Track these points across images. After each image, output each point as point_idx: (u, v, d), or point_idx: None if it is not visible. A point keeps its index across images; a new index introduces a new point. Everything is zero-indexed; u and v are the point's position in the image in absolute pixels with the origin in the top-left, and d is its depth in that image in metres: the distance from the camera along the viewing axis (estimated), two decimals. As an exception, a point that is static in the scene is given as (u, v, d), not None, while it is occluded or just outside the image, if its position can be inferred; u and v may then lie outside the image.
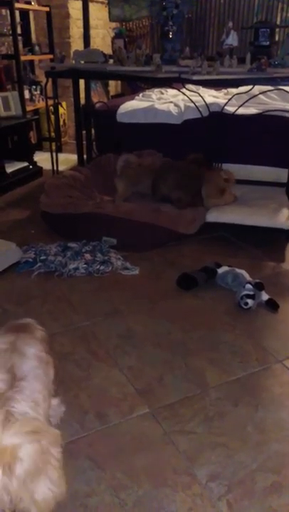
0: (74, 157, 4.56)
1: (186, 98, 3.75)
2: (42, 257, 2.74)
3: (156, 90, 4.66)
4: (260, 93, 3.69)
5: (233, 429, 1.63)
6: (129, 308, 2.38)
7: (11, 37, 4.66)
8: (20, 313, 2.27)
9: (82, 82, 4.32)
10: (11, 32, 4.62)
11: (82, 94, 4.29)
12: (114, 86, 6.83)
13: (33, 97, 5.32)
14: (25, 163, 4.51)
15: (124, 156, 3.53)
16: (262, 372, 1.93)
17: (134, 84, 5.66)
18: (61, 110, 5.70)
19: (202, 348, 2.06)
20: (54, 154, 4.07)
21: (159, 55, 3.45)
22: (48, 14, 5.17)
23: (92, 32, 5.10)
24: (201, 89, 4.13)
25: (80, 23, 4.42)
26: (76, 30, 5.69)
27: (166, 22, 3.52)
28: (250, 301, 2.30)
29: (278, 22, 5.53)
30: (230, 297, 2.43)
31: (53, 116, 4.47)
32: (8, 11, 4.60)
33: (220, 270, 2.56)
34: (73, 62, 3.87)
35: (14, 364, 1.26)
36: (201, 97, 3.64)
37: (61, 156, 4.64)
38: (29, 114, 4.95)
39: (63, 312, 2.33)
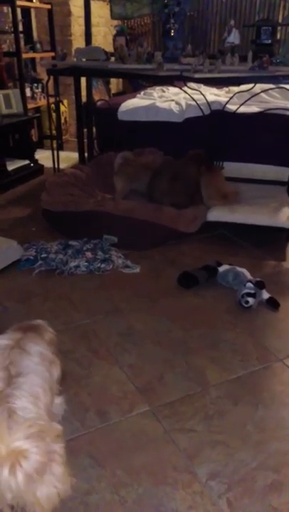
0: (75, 155, 4.56)
1: (187, 96, 3.74)
2: (43, 255, 2.74)
3: (158, 88, 4.66)
4: (262, 91, 3.68)
5: (233, 428, 1.64)
6: (130, 306, 2.38)
7: (12, 34, 4.67)
8: (21, 311, 2.28)
9: (83, 80, 4.32)
10: (12, 29, 4.62)
11: (83, 92, 4.29)
12: (115, 84, 6.84)
13: (35, 95, 5.32)
14: (27, 161, 4.51)
15: (122, 153, 3.53)
16: (262, 370, 1.93)
17: (136, 82, 5.65)
18: (62, 108, 5.71)
19: (203, 347, 2.06)
20: (55, 152, 4.06)
21: (160, 53, 3.45)
22: (50, 12, 5.17)
23: (94, 30, 5.10)
24: (203, 88, 4.13)
25: (82, 21, 4.42)
26: (78, 27, 5.68)
27: (167, 20, 3.52)
28: (250, 300, 2.30)
29: (280, 20, 5.51)
30: (231, 296, 2.43)
31: (54, 114, 4.48)
32: (9, 9, 4.62)
33: (221, 269, 2.56)
34: (75, 60, 3.87)
35: (12, 361, 1.27)
36: (203, 95, 3.63)
37: (62, 154, 4.64)
38: (30, 112, 4.95)
39: (64, 310, 2.33)
